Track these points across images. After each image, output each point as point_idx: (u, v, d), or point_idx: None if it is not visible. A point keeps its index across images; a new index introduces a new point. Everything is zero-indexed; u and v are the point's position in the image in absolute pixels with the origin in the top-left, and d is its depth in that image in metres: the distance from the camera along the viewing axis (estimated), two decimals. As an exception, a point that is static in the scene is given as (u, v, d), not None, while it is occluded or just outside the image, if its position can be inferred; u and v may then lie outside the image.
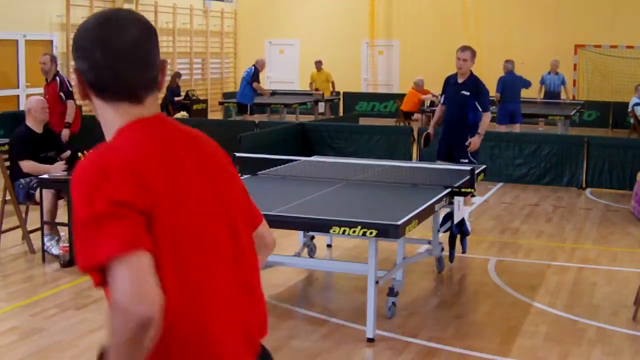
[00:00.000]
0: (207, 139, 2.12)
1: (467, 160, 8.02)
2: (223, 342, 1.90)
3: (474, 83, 8.09)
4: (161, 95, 19.78)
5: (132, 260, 1.69)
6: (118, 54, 1.92)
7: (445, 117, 8.38)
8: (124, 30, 1.93)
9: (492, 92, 15.17)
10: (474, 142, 8.05)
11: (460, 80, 8.13)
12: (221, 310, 1.91)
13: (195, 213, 1.91)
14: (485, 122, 8.08)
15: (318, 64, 20.13)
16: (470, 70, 8.14)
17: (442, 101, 8.48)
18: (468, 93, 8.03)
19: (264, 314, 2.13)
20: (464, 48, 8.12)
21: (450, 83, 8.28)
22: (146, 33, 1.98)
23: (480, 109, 8.03)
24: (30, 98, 7.89)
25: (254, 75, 15.85)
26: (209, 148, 2.09)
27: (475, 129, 8.09)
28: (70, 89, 10.68)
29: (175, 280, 1.81)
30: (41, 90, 11.20)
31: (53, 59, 10.77)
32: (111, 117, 1.96)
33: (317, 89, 19.88)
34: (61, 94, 10.59)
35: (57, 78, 10.74)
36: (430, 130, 8.75)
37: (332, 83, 20.07)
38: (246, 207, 2.15)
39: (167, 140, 1.97)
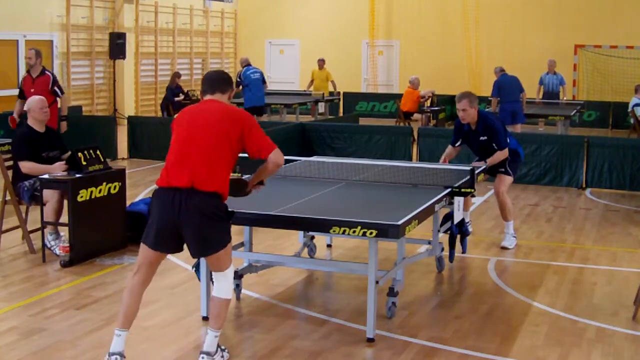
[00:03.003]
0: (223, 107, 4.81)
1: (503, 170, 7.86)
2: (169, 161, 4.74)
3: (486, 126, 7.68)
4: (161, 95, 19.83)
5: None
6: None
7: (477, 159, 7.90)
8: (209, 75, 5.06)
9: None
10: (477, 165, 7.60)
11: (473, 127, 7.74)
12: (173, 152, 4.76)
13: (183, 123, 4.79)
14: (498, 157, 7.69)
15: (320, 62, 20.07)
16: (478, 112, 7.70)
17: (455, 144, 7.95)
18: (486, 137, 7.68)
19: (203, 172, 4.64)
20: (460, 97, 7.63)
21: (464, 130, 7.84)
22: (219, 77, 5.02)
23: (497, 148, 7.65)
24: (30, 98, 7.85)
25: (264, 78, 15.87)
26: (219, 109, 4.78)
27: (513, 154, 7.85)
28: (60, 85, 11.03)
29: (171, 148, 4.78)
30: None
31: (38, 54, 10.81)
32: None
33: (309, 87, 19.95)
34: (55, 88, 10.73)
35: (47, 73, 10.82)
36: (444, 160, 8.04)
37: (333, 83, 19.98)
38: (224, 135, 4.70)
39: (200, 105, 4.88)
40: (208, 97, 4.89)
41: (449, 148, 8.05)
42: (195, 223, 4.60)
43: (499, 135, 7.71)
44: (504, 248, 7.96)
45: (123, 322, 4.74)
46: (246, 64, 15.85)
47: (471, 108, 7.61)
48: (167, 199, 4.63)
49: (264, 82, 15.82)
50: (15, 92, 16.48)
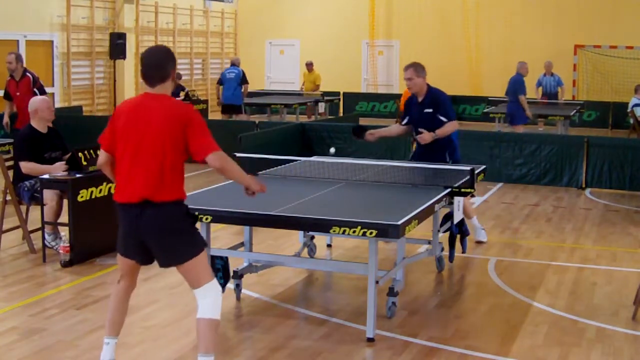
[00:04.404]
0: (165, 106, 4.41)
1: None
2: (121, 175, 4.45)
3: (432, 97, 7.54)
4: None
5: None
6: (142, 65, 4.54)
7: (417, 139, 7.58)
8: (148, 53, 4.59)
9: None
10: (425, 136, 7.39)
11: (420, 99, 7.58)
12: (123, 165, 4.44)
13: (125, 128, 4.40)
14: (447, 129, 7.41)
15: (309, 66, 20.30)
16: (427, 85, 7.58)
17: (404, 122, 7.78)
18: (431, 110, 7.48)
19: (153, 183, 4.33)
20: (406, 67, 7.53)
21: (412, 103, 7.70)
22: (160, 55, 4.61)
23: (445, 120, 7.42)
24: (34, 98, 7.85)
25: (245, 77, 15.94)
26: (161, 109, 4.38)
27: (450, 142, 7.59)
28: (42, 84, 11.24)
29: (118, 151, 4.46)
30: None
31: (18, 58, 11.09)
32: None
33: (301, 88, 20.10)
34: (35, 90, 10.84)
35: (28, 75, 10.97)
36: (374, 134, 7.79)
37: (318, 86, 20.14)
38: (171, 136, 4.31)
39: (140, 103, 4.48)
40: (148, 90, 4.47)
41: (396, 127, 7.97)
42: (155, 235, 4.38)
43: (445, 106, 7.52)
44: (479, 242, 8.00)
45: (111, 330, 4.63)
46: (230, 64, 16.37)
47: (418, 77, 7.47)
48: (124, 213, 4.44)
49: (242, 82, 15.84)
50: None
